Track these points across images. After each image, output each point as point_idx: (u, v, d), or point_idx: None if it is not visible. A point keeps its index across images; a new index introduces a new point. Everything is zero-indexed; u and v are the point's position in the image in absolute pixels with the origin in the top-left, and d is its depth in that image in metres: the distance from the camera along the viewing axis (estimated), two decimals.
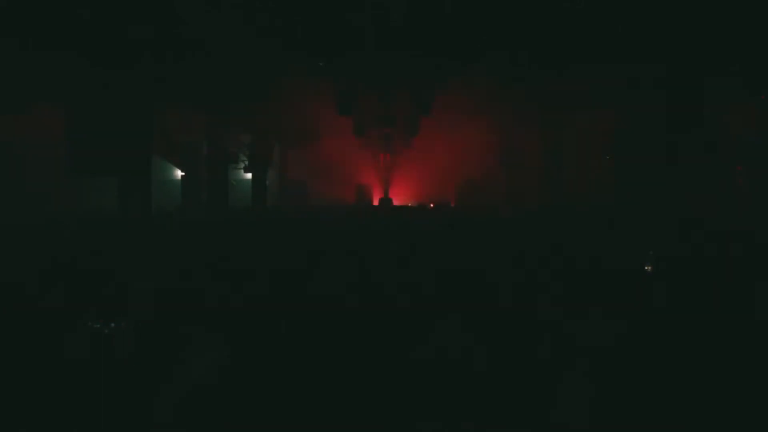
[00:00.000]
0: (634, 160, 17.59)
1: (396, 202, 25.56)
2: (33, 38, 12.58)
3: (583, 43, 14.08)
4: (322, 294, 6.78)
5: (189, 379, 4.33)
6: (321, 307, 6.22)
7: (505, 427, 4.05)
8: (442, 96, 18.32)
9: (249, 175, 23.44)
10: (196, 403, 4.16)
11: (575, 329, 5.52)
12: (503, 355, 5.02)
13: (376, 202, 25.91)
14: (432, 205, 24.09)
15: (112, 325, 4.71)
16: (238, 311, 6.08)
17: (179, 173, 23.93)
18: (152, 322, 5.45)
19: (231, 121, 20.69)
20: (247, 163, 22.55)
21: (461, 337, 5.35)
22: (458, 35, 13.57)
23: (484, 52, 14.51)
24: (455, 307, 6.17)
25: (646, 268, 7.71)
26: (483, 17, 12.79)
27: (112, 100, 14.80)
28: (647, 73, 15.53)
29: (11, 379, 4.49)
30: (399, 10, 12.64)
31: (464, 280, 7.34)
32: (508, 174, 24.38)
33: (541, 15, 12.81)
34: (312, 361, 4.90)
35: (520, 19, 12.86)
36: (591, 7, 12.51)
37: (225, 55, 14.70)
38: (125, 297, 6.24)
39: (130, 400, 4.20)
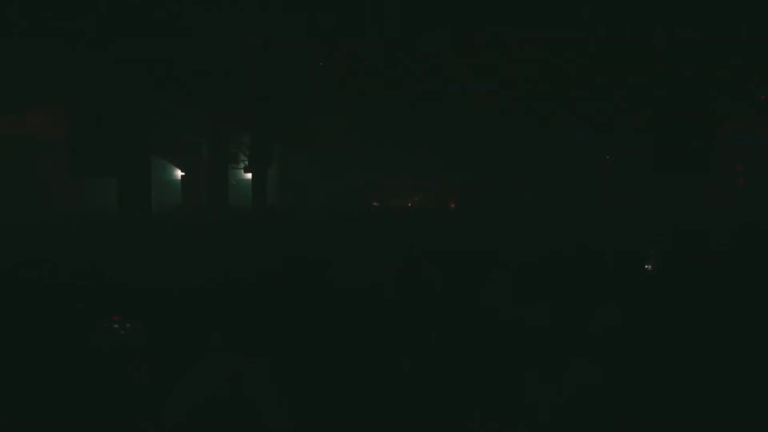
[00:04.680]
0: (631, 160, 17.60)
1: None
2: (33, 38, 12.58)
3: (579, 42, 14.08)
4: None
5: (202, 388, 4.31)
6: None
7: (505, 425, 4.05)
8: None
9: (249, 175, 23.41)
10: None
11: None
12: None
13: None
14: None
15: (128, 326, 4.70)
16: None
17: (179, 173, 23.92)
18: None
19: (231, 120, 20.68)
20: (247, 163, 22.53)
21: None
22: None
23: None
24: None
25: (646, 266, 7.72)
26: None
27: (111, 101, 14.78)
28: (645, 74, 15.53)
29: (21, 378, 4.48)
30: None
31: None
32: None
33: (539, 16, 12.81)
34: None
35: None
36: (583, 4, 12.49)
37: (225, 54, 14.70)
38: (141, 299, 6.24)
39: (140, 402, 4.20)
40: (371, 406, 4.28)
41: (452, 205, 25.20)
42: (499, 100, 19.35)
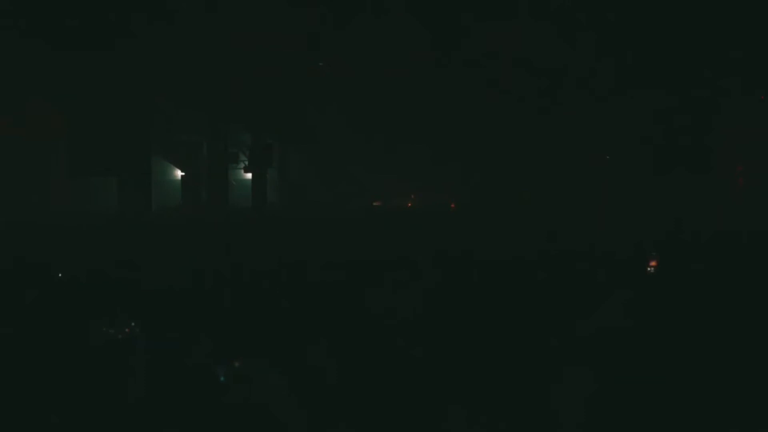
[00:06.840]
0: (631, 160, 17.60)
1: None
2: (33, 38, 12.57)
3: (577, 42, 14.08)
4: None
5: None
6: None
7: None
8: None
9: (249, 175, 23.39)
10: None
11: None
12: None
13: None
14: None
15: (125, 328, 4.66)
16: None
17: (179, 173, 23.91)
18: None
19: (231, 120, 20.69)
20: (247, 163, 22.53)
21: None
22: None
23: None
24: None
25: (648, 269, 7.72)
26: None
27: (111, 100, 14.78)
28: (645, 73, 15.52)
29: (19, 381, 4.43)
30: None
31: None
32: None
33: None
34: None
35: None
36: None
37: (225, 53, 14.70)
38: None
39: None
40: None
41: (452, 205, 25.15)
42: (499, 99, 19.36)
